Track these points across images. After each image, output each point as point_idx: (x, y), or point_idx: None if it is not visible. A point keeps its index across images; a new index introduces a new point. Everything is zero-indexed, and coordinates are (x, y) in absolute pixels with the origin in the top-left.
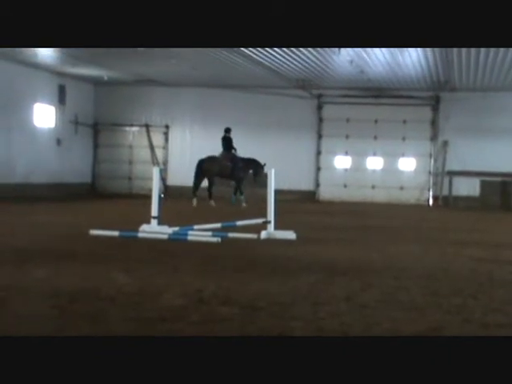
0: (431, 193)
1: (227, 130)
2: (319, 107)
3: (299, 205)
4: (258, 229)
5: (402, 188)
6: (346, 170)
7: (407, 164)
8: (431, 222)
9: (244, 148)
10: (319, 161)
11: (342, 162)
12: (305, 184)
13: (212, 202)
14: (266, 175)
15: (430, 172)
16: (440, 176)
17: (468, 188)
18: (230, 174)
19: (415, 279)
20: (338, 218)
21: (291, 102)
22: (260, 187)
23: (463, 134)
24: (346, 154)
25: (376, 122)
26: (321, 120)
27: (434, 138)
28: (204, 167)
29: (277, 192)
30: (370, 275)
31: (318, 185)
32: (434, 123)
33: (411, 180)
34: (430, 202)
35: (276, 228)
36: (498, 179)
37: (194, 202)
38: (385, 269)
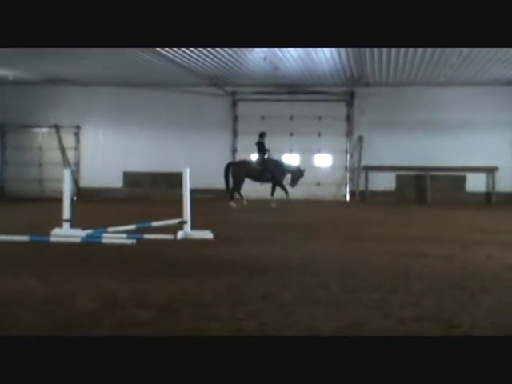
0: (348, 188)
1: (261, 135)
2: (234, 104)
3: (216, 204)
4: (174, 229)
5: (318, 184)
6: None
7: (323, 160)
8: (349, 218)
9: (158, 147)
10: (235, 159)
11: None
12: (221, 183)
13: (232, 203)
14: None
15: (346, 168)
16: (356, 171)
17: (384, 182)
18: (259, 176)
19: (334, 275)
20: (256, 216)
21: (205, 99)
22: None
23: (378, 129)
24: None
25: (291, 118)
26: (236, 117)
27: (349, 133)
28: (232, 170)
29: (193, 191)
30: (289, 273)
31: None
32: (349, 119)
33: (328, 176)
34: (347, 197)
35: (193, 228)
36: (413, 173)
37: (233, 204)
38: (304, 266)
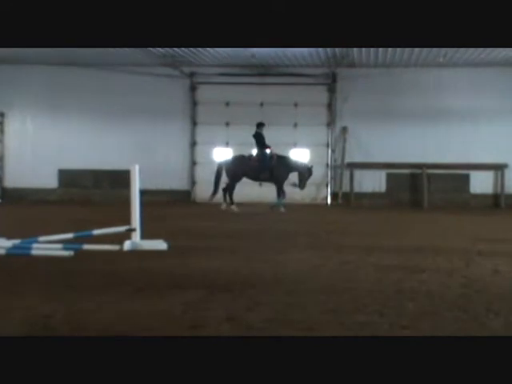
0: (330, 190)
1: (259, 125)
2: (192, 88)
3: (171, 208)
4: (120, 238)
5: (295, 185)
6: None
7: (300, 155)
8: (331, 225)
9: (100, 140)
10: (194, 153)
11: (222, 154)
12: (177, 182)
13: (234, 207)
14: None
15: (327, 165)
16: (339, 169)
17: (373, 183)
18: (257, 175)
19: (312, 294)
20: (219, 223)
21: (158, 82)
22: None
23: (365, 119)
24: (227, 144)
25: (262, 105)
26: (195, 104)
27: (331, 123)
28: (226, 169)
29: (143, 193)
30: (257, 291)
31: (193, 183)
32: (330, 106)
33: None
34: (329, 200)
35: (143, 237)
36: (407, 171)
37: (228, 206)
38: (275, 282)
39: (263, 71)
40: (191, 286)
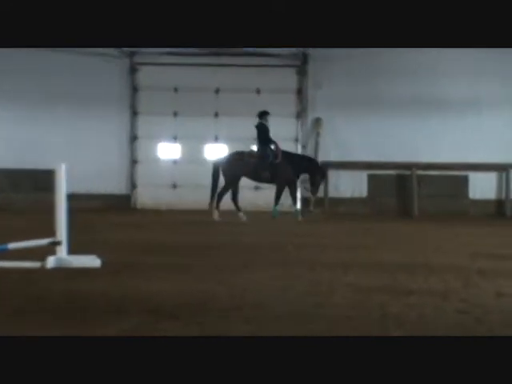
0: (300, 194)
1: (262, 115)
2: (133, 70)
3: (106, 216)
4: (42, 253)
5: (257, 188)
6: (175, 162)
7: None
8: (300, 237)
9: (19, 134)
10: (135, 150)
11: (168, 150)
12: (114, 185)
13: (241, 215)
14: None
15: None
16: None
17: (352, 186)
18: (256, 174)
19: (276, 322)
20: (165, 234)
21: (90, 62)
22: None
23: (343, 109)
24: (175, 139)
25: (217, 91)
26: (135, 89)
27: (301, 114)
28: (222, 169)
29: (71, 198)
30: (210, 318)
31: (133, 185)
32: (300, 93)
33: None
34: (299, 207)
35: (71, 252)
36: (393, 172)
37: (215, 214)
38: (232, 308)
39: (219, 50)
40: (130, 312)
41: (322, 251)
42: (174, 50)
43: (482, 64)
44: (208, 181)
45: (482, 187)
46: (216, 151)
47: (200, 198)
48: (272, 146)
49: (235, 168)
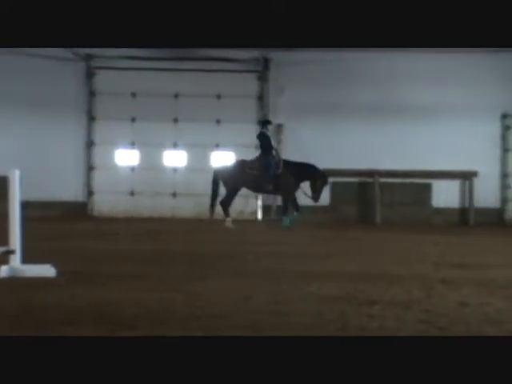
0: (260, 202)
1: (264, 124)
2: (89, 75)
3: (62, 224)
4: None
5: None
6: (132, 169)
7: (224, 159)
8: (261, 246)
9: None
10: (91, 156)
11: (126, 157)
12: (70, 192)
13: (229, 222)
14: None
15: None
16: None
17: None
18: (258, 186)
19: (235, 332)
20: (123, 243)
21: (45, 66)
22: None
23: (305, 115)
24: (133, 145)
25: (177, 96)
26: (92, 94)
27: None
28: (221, 178)
29: (25, 205)
30: (168, 328)
31: (90, 193)
32: (261, 99)
33: None
34: (260, 215)
35: (24, 261)
36: (355, 180)
37: (229, 222)
38: (191, 318)
39: (179, 54)
40: (86, 323)
41: (283, 260)
42: (133, 54)
43: (444, 71)
44: (166, 188)
45: (446, 195)
46: (175, 158)
47: (158, 205)
48: (274, 155)
49: (235, 178)
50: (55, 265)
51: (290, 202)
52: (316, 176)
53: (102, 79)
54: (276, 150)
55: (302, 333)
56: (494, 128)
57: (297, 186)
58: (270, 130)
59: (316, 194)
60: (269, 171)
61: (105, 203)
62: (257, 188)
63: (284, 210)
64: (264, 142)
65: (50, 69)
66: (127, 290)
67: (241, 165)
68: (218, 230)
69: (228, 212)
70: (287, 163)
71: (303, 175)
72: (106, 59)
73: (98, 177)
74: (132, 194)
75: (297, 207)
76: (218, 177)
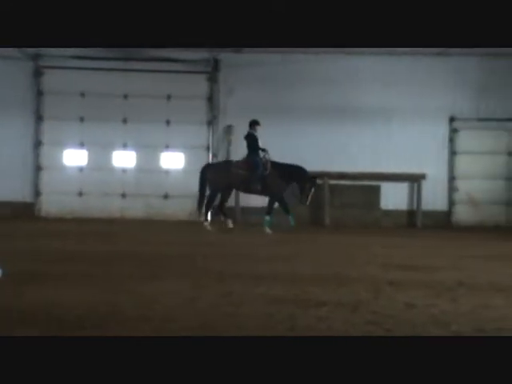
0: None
1: (252, 124)
2: (37, 74)
3: (8, 224)
4: None
5: (166, 196)
6: (81, 169)
7: (174, 161)
8: (211, 247)
9: None
10: (39, 156)
11: (75, 157)
12: (17, 192)
13: (229, 222)
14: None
15: None
16: None
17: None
18: (246, 186)
19: (183, 333)
20: (71, 243)
21: None
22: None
23: (255, 116)
24: (82, 145)
25: (126, 97)
26: (40, 93)
27: (212, 121)
28: (208, 177)
29: None
30: (118, 330)
31: (38, 193)
32: (211, 100)
33: (181, 184)
34: (209, 216)
35: None
36: None
37: (207, 224)
38: (140, 319)
39: (128, 55)
40: (32, 324)
41: (233, 262)
42: (82, 53)
43: (393, 73)
44: (115, 189)
45: (394, 197)
46: (124, 159)
47: (107, 206)
48: (261, 155)
49: (221, 178)
50: (2, 265)
51: (279, 203)
52: (304, 178)
53: (51, 79)
54: (264, 151)
55: (252, 335)
56: (441, 131)
57: (284, 188)
58: (225, 132)
59: (304, 197)
60: (256, 171)
61: (53, 204)
62: (244, 188)
63: (269, 210)
64: (251, 142)
65: None
66: (76, 290)
67: (225, 165)
68: (167, 231)
69: (206, 211)
70: (275, 164)
71: (291, 177)
72: (54, 58)
73: (46, 177)
74: (80, 194)
75: (286, 209)
76: (205, 175)
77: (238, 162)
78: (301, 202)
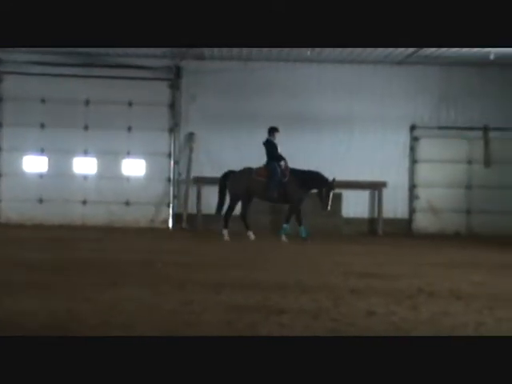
0: (172, 210)
1: (271, 131)
2: None
3: None
4: None
5: (127, 203)
6: (41, 176)
7: (135, 167)
8: (171, 254)
9: None
10: None
11: (35, 164)
12: None
13: (250, 234)
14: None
15: (169, 179)
16: (185, 185)
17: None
18: (264, 193)
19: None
20: (30, 251)
21: None
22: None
23: (217, 124)
24: (42, 151)
25: (87, 103)
26: (0, 99)
27: (174, 128)
28: (227, 184)
29: None
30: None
31: None
32: (173, 107)
33: (142, 191)
34: (171, 223)
35: None
36: None
37: (226, 234)
38: (100, 326)
39: (89, 61)
40: None
41: (194, 269)
42: (43, 59)
43: (354, 82)
44: (76, 195)
45: (355, 205)
46: (85, 165)
47: (68, 213)
48: (282, 163)
49: (240, 185)
50: None
51: (295, 213)
52: (323, 184)
53: (10, 84)
54: (284, 159)
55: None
56: (402, 139)
57: (304, 195)
58: (187, 139)
59: (324, 203)
60: (275, 178)
61: (13, 210)
62: (264, 196)
63: (288, 218)
64: (270, 149)
65: None
66: (34, 298)
67: (245, 173)
68: (126, 239)
69: (226, 221)
70: (294, 171)
71: (310, 184)
72: (14, 64)
73: (6, 183)
74: (41, 201)
75: (299, 220)
76: (224, 182)
77: (257, 169)
78: (322, 208)
